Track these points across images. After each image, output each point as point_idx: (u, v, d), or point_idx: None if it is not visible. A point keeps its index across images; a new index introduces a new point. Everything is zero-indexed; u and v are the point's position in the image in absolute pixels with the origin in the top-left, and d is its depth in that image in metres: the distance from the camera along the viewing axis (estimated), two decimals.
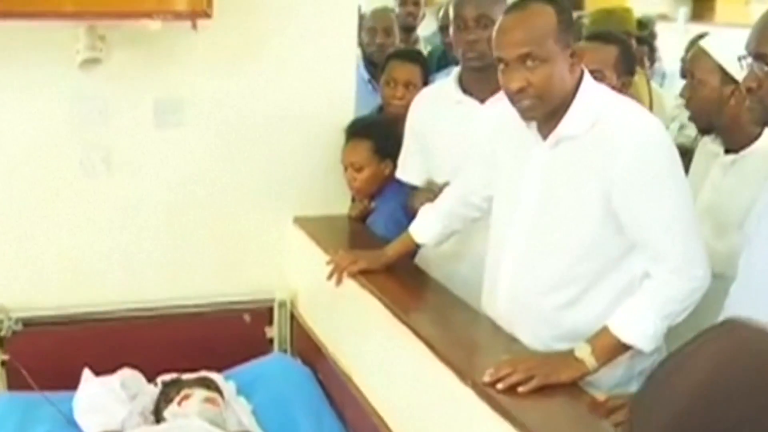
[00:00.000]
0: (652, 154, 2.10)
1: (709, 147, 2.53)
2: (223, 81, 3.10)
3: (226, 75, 3.09)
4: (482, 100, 2.73)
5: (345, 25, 3.24)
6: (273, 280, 3.31)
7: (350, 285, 2.74)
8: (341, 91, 3.27)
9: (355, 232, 3.22)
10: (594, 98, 2.18)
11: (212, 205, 3.20)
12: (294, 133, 3.22)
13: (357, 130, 3.18)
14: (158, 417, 2.82)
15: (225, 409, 2.80)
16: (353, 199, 3.33)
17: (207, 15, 2.67)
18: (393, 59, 3.39)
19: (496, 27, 2.16)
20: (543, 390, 2.03)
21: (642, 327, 2.10)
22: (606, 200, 2.12)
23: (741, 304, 2.04)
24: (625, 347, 2.12)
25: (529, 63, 2.08)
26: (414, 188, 3.02)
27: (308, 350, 3.19)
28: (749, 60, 1.86)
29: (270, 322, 3.33)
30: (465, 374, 2.14)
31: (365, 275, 2.71)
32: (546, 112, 2.14)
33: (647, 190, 2.09)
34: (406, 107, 3.13)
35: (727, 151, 2.47)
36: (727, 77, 2.36)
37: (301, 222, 3.26)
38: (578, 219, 2.19)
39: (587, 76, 2.21)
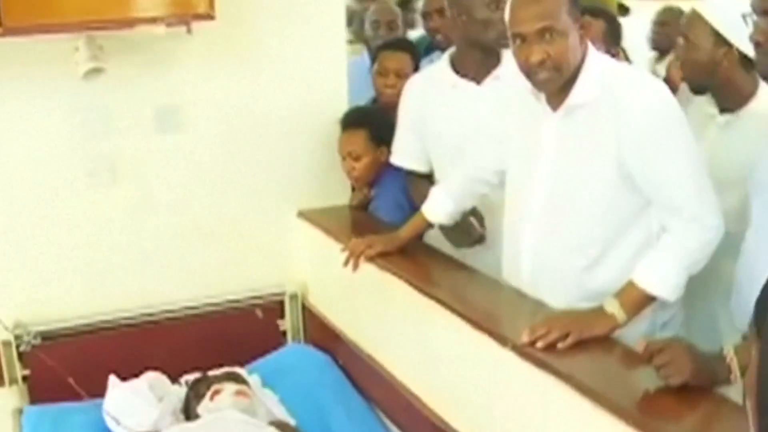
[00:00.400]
0: (661, 113, 2.22)
1: (704, 108, 2.65)
2: (220, 83, 3.16)
3: (223, 77, 3.16)
4: (478, 82, 2.83)
5: (334, 23, 3.34)
6: (282, 274, 3.38)
7: (368, 269, 2.82)
8: (334, 85, 3.35)
9: (360, 220, 3.29)
10: (599, 67, 2.29)
11: (217, 206, 3.26)
12: (291, 130, 3.30)
13: (352, 120, 3.26)
14: (188, 415, 2.88)
15: (255, 400, 2.87)
16: (353, 189, 3.42)
17: (210, 17, 2.73)
18: (383, 50, 3.49)
19: (510, 4, 2.26)
20: (579, 345, 2.13)
21: (665, 278, 2.21)
22: (620, 161, 2.23)
23: (759, 245, 2.18)
24: (650, 299, 2.23)
25: (547, 36, 2.18)
26: (410, 173, 3.11)
27: (324, 338, 3.27)
28: (754, 17, 1.99)
29: (282, 315, 3.40)
30: (503, 338, 2.23)
31: (383, 258, 2.80)
32: (561, 83, 2.25)
33: (659, 148, 2.21)
34: (398, 95, 3.23)
35: (722, 111, 2.59)
36: (720, 40, 2.47)
37: (306, 215, 3.33)
38: (594, 182, 2.30)
39: (591, 48, 2.33)
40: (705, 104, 2.64)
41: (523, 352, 2.15)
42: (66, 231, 3.08)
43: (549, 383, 2.06)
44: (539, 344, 2.13)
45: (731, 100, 2.55)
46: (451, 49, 2.95)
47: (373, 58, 3.57)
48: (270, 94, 3.24)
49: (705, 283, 2.38)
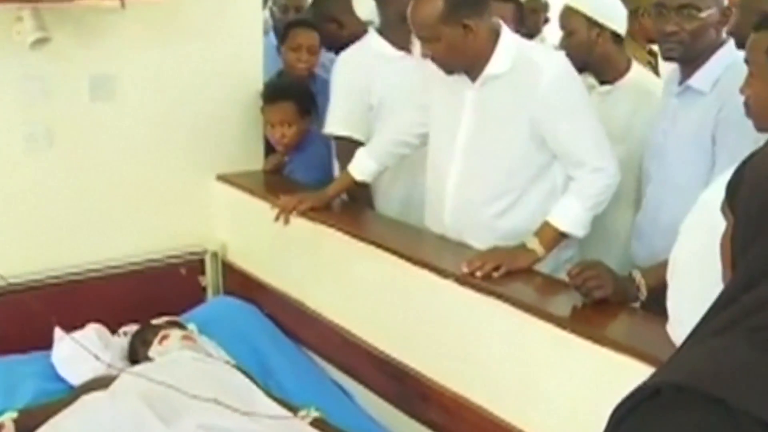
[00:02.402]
0: (565, 81, 2.70)
1: (586, 80, 3.13)
2: (150, 55, 3.38)
3: (153, 50, 3.38)
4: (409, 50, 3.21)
5: (252, 4, 3.64)
6: (203, 234, 3.65)
7: (298, 222, 3.15)
8: (252, 61, 3.64)
9: (275, 182, 3.58)
10: (511, 44, 2.73)
11: (144, 170, 3.47)
12: (211, 100, 3.55)
13: (278, 93, 3.55)
14: (135, 360, 3.11)
15: (199, 344, 3.13)
16: (265, 156, 3.72)
17: None
18: (296, 27, 3.80)
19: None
20: (508, 275, 2.57)
21: (574, 218, 2.67)
22: (530, 122, 2.68)
23: (661, 198, 2.67)
24: (563, 235, 2.69)
25: (427, 44, 2.68)
26: (346, 141, 3.31)
27: (246, 290, 3.55)
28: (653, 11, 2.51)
29: (203, 272, 3.66)
30: (443, 271, 2.63)
31: (313, 212, 3.13)
32: (453, 70, 2.72)
33: (564, 111, 2.67)
34: (309, 70, 3.58)
35: (601, 84, 3.09)
36: (592, 24, 2.98)
37: (225, 179, 3.61)
38: (508, 140, 2.74)
39: (504, 27, 2.76)
40: (587, 77, 3.13)
41: (463, 281, 2.56)
42: (3, 192, 3.22)
43: (490, 304, 2.48)
44: (478, 274, 2.55)
45: (609, 74, 3.06)
46: (376, 25, 3.29)
47: (281, 37, 3.87)
48: (194, 66, 3.48)
49: (597, 228, 2.85)
